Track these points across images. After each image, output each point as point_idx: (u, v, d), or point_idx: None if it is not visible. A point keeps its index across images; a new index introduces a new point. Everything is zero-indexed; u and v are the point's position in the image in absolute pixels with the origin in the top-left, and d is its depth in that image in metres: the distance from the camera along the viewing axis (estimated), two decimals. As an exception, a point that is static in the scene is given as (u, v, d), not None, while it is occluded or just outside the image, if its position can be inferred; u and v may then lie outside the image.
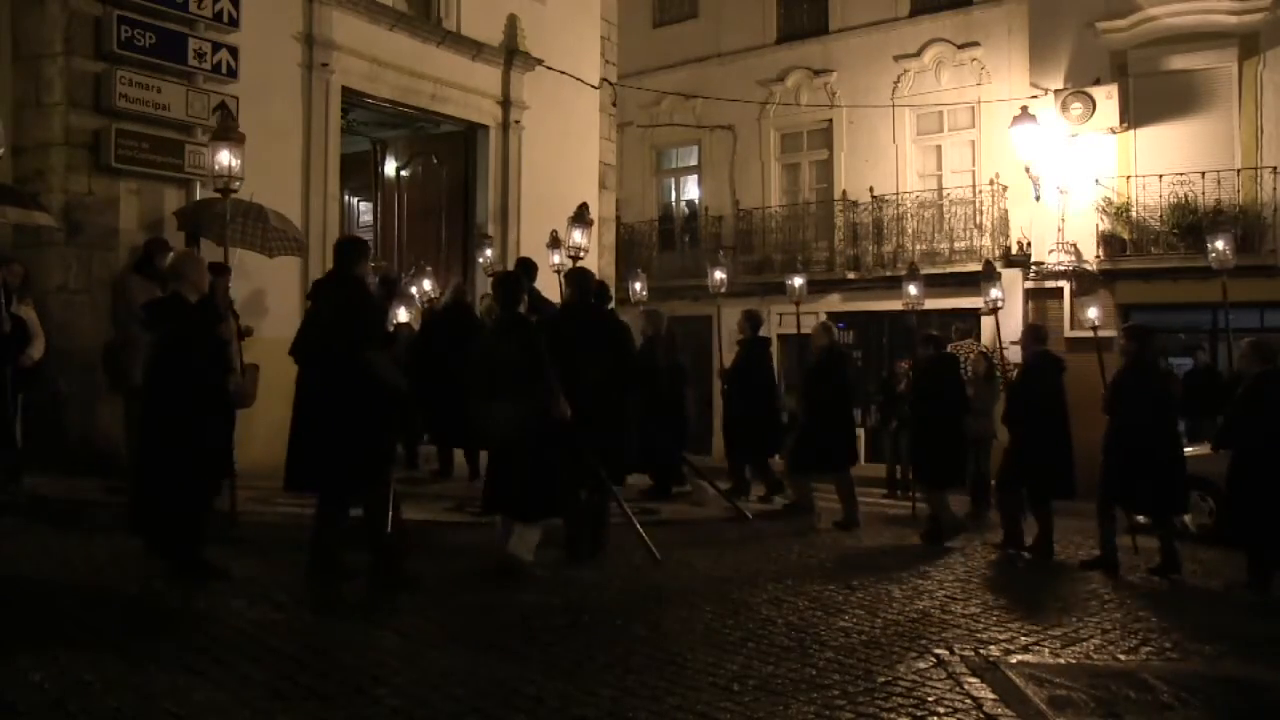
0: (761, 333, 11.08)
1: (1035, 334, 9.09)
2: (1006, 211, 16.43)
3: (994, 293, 10.12)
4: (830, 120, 18.47)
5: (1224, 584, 7.96)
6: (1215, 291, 14.09)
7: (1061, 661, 5.40)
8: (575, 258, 9.50)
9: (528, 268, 8.89)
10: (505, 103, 13.00)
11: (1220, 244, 9.45)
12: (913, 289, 10.99)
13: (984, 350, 11.89)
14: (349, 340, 5.86)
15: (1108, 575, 7.94)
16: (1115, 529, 8.18)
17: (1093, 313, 9.95)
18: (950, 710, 4.42)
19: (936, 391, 9.35)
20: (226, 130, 7.49)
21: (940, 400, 9.28)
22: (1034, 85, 16.09)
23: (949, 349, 11.92)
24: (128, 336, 8.49)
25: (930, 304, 15.72)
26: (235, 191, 7.61)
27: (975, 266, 16.15)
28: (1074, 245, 15.64)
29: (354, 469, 5.81)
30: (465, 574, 6.60)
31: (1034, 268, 15.96)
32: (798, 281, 11.75)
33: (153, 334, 6.06)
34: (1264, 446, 7.36)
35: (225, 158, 7.39)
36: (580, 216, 9.84)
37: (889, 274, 16.90)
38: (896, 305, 15.71)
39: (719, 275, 11.58)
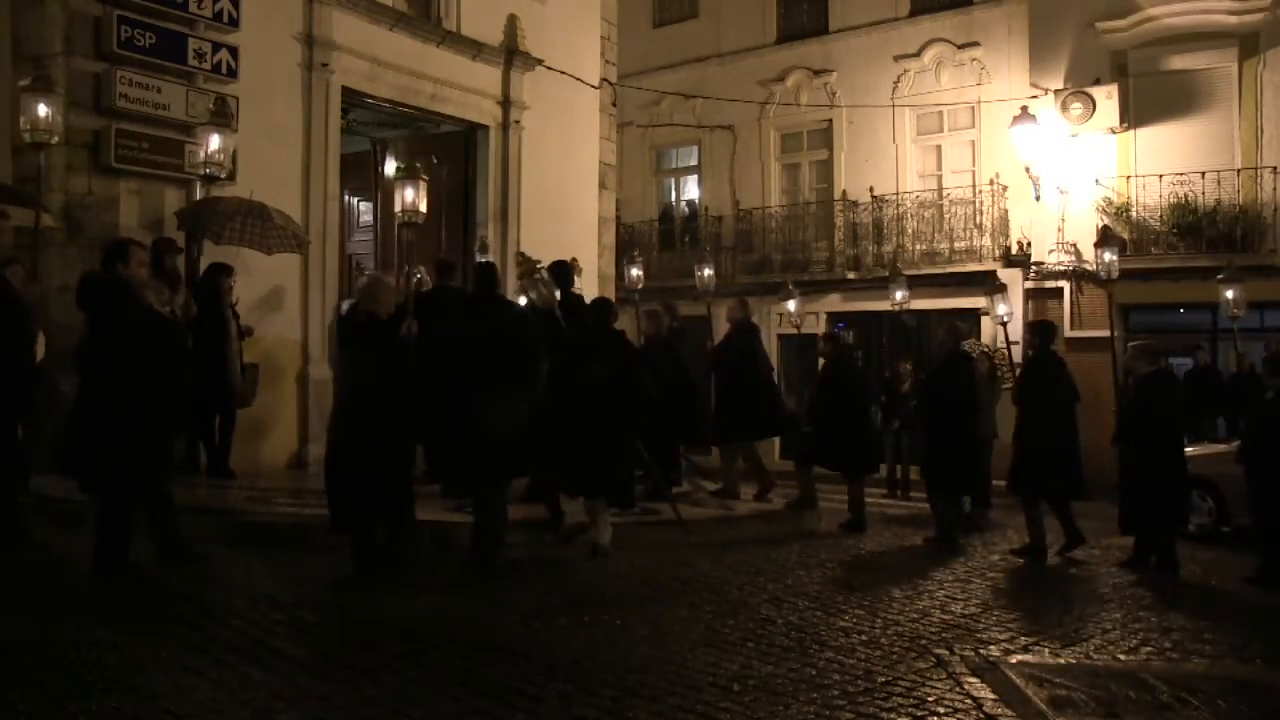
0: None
1: (954, 334, 9.62)
2: (1006, 211, 16.41)
3: (1001, 309, 10.53)
4: (830, 120, 18.44)
5: (1112, 564, 8.38)
6: (1216, 292, 14.14)
7: (1061, 661, 5.40)
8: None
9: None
10: (505, 103, 13.00)
11: (1108, 256, 9.78)
12: (899, 294, 11.80)
13: (985, 350, 11.92)
14: (528, 354, 6.82)
15: (1037, 562, 8.37)
16: (1042, 515, 8.63)
17: (1002, 309, 10.54)
18: (950, 710, 4.42)
19: (839, 382, 10.00)
20: (413, 172, 8.23)
21: (838, 391, 9.94)
22: (1034, 85, 16.07)
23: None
24: None
25: (931, 304, 15.82)
26: (420, 220, 8.39)
27: (975, 266, 16.22)
28: (1074, 245, 15.62)
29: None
30: (465, 575, 6.60)
31: (1034, 268, 15.96)
32: (707, 273, 12.13)
33: (352, 350, 6.55)
34: (1151, 442, 7.97)
35: (409, 195, 7.94)
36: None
37: (889, 274, 16.89)
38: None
39: (707, 273, 11.95)
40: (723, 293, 14.19)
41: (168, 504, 6.08)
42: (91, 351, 5.77)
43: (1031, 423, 8.57)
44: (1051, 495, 8.64)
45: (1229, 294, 9.54)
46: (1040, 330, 9.18)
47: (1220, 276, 9.79)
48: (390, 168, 13.66)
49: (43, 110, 6.51)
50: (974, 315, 15.52)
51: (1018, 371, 9.84)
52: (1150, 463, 7.99)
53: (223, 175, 7.23)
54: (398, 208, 8.11)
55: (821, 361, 10.74)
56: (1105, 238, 9.71)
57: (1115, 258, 10.01)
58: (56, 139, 6.84)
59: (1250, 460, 7.98)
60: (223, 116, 7.20)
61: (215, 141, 7.08)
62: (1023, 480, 8.64)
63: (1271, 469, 7.73)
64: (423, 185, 8.21)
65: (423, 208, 8.31)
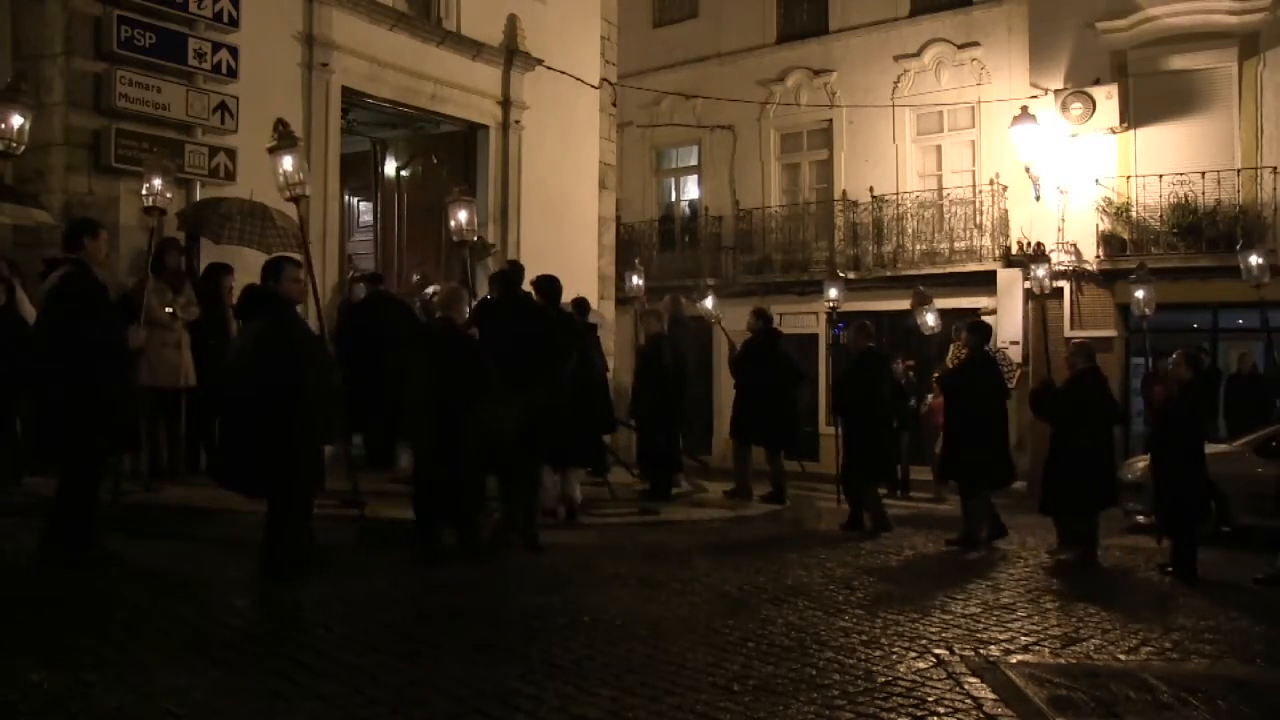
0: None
1: (863, 332, 9.99)
2: (1006, 211, 16.40)
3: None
4: (830, 120, 18.45)
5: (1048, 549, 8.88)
6: (1215, 292, 14.19)
7: (1061, 661, 5.40)
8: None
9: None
10: (505, 103, 13.00)
11: (1040, 271, 10.46)
12: (833, 292, 11.73)
13: (987, 349, 11.93)
14: (566, 355, 7.72)
15: (963, 550, 8.79)
16: (985, 508, 9.09)
17: (930, 319, 10.80)
18: (950, 710, 4.42)
19: (765, 359, 10.54)
20: (466, 195, 8.91)
21: (768, 368, 10.52)
22: (1034, 85, 16.07)
23: (954, 347, 12.21)
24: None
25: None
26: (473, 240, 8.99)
27: (975, 266, 16.23)
28: (1074, 245, 15.63)
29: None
30: (464, 575, 6.61)
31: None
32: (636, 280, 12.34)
33: (425, 355, 6.96)
34: (1080, 431, 8.51)
35: (463, 217, 8.60)
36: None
37: (889, 274, 16.92)
38: (897, 305, 15.75)
39: (636, 281, 12.18)
40: (723, 293, 14.23)
41: (308, 512, 6.14)
42: (256, 361, 5.94)
43: (962, 417, 9.07)
44: (986, 487, 9.02)
45: (1138, 294, 9.80)
46: (977, 330, 9.64)
47: (1131, 278, 10.04)
48: (390, 167, 13.67)
49: (158, 183, 7.22)
50: (974, 315, 15.49)
51: (1016, 369, 10.07)
52: (1077, 449, 8.47)
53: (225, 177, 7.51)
54: (451, 229, 8.76)
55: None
56: (1007, 254, 10.23)
57: (1043, 272, 10.63)
58: (169, 209, 7.41)
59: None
60: (224, 122, 7.49)
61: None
62: (947, 470, 9.31)
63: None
64: (473, 208, 8.91)
65: (475, 226, 9.08)
